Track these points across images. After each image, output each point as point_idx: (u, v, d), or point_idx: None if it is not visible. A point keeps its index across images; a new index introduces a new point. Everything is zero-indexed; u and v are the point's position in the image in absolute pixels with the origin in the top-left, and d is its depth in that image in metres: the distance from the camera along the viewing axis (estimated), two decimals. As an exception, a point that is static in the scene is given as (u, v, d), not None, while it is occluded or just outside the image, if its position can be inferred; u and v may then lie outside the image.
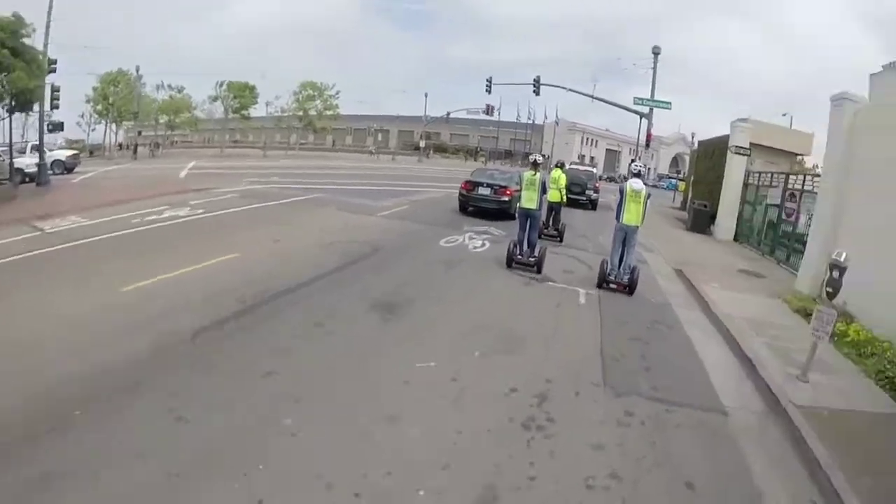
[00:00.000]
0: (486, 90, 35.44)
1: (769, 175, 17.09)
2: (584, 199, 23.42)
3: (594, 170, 26.86)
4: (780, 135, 23.33)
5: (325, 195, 18.87)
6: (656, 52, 26.67)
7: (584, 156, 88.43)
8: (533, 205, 10.76)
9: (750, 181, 18.43)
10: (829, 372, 6.75)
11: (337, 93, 56.93)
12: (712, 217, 19.55)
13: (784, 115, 37.93)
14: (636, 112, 27.01)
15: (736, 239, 18.54)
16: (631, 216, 9.72)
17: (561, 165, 16.46)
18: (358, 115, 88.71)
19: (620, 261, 9.88)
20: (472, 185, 16.65)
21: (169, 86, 57.92)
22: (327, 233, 12.02)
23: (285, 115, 58.85)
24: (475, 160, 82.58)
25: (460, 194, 16.86)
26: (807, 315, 8.44)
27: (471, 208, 16.61)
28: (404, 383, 5.24)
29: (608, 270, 9.87)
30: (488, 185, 16.35)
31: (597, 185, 24.56)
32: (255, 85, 57.09)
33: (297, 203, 16.67)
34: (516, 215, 11.78)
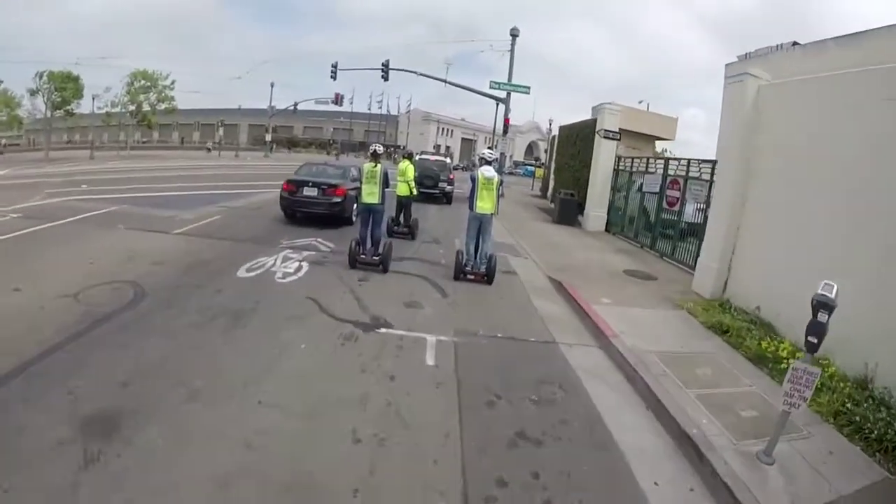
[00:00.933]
0: (332, 76, 31.73)
1: (644, 160, 15.48)
2: (438, 192, 20.94)
3: (447, 160, 24.22)
4: (646, 119, 22.38)
5: (128, 206, 14.47)
6: (514, 34, 24.70)
7: (439, 146, 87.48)
8: (374, 199, 9.97)
9: (621, 167, 16.83)
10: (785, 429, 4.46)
11: (172, 83, 49.50)
12: (580, 206, 17.80)
13: (640, 101, 38.08)
14: (492, 97, 24.98)
15: (608, 230, 16.94)
16: (485, 204, 9.44)
17: (409, 156, 14.06)
18: (205, 110, 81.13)
19: (476, 250, 9.61)
20: (295, 184, 13.27)
21: None
22: (96, 268, 8.13)
23: (115, 109, 50.14)
24: (328, 153, 78.47)
25: (281, 197, 13.42)
26: (723, 332, 7.39)
27: (298, 214, 13.33)
28: None
29: (464, 261, 9.56)
30: (315, 185, 13.13)
31: (451, 176, 22.11)
32: (79, 76, 48.24)
33: (86, 221, 12.09)
34: (355, 215, 11.11)
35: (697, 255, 10.60)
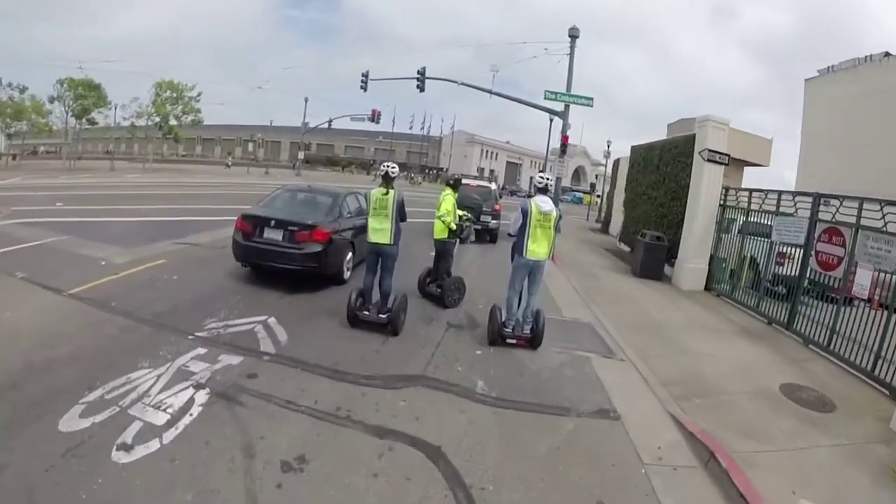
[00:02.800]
0: (362, 86, 27.84)
1: (763, 195, 10.73)
2: (480, 226, 16.35)
3: (492, 185, 19.55)
4: (738, 139, 17.40)
5: (69, 238, 11.08)
6: (574, 34, 20.15)
7: (483, 169, 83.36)
8: (383, 238, 7.11)
9: (729, 201, 12.12)
10: None
11: (198, 95, 46.92)
12: (669, 253, 13.08)
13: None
14: (547, 110, 20.59)
15: (708, 286, 12.19)
16: (539, 247, 6.82)
17: (452, 184, 9.32)
18: (246, 126, 79.66)
19: (520, 303, 7.08)
20: (251, 223, 8.72)
21: (9, 84, 45.68)
22: None
23: (140, 119, 47.66)
24: (367, 173, 75.35)
25: (233, 241, 8.97)
26: None
27: (265, 265, 8.85)
28: None
29: (503, 320, 7.02)
30: (280, 224, 8.51)
31: (497, 207, 17.44)
32: (100, 84, 46.25)
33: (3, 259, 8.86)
34: (348, 269, 9.02)
35: (879, 353, 6.57)
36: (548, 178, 7.10)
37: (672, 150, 14.14)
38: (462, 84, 23.41)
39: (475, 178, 20.96)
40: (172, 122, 45.26)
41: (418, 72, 24.35)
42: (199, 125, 48.63)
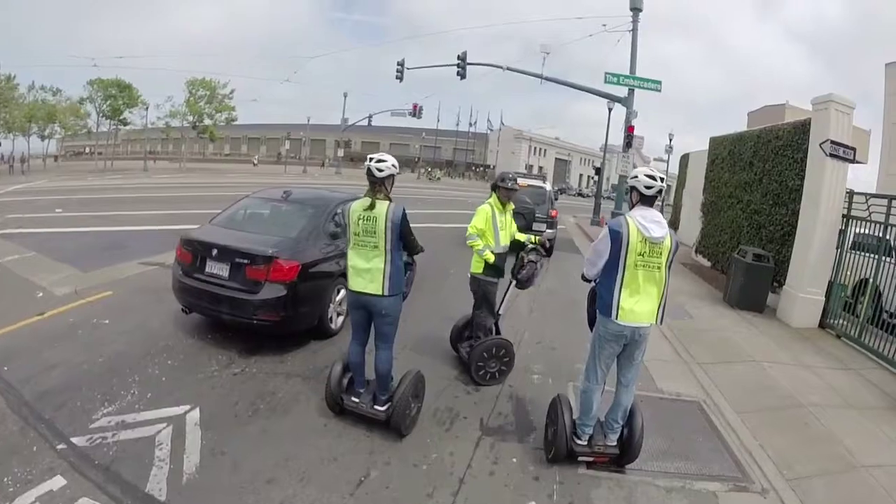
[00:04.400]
0: (397, 76, 25.47)
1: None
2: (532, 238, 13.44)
3: (546, 186, 15.66)
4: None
5: (32, 256, 9.79)
6: (636, 6, 17.16)
7: (531, 166, 79.91)
8: (372, 285, 4.34)
9: (855, 209, 9.08)
10: None
11: (231, 92, 45.75)
12: (775, 276, 10.04)
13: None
14: (607, 96, 17.72)
15: (823, 323, 9.15)
16: (639, 303, 3.84)
17: (499, 187, 5.80)
18: (290, 125, 78.75)
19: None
20: (191, 251, 6.10)
21: (42, 87, 46.09)
22: None
23: (174, 118, 46.95)
24: (412, 171, 73.25)
25: (173, 277, 6.37)
26: None
27: (208, 314, 6.28)
28: None
29: (576, 419, 4.26)
30: (224, 254, 5.83)
31: (553, 213, 14.37)
32: (130, 84, 45.90)
33: None
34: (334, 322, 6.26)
35: None
36: (659, 179, 3.85)
37: (773, 142, 11.02)
38: (508, 69, 20.77)
39: (524, 175, 17.79)
40: (207, 121, 44.13)
41: (459, 57, 21.87)
42: (233, 122, 47.35)
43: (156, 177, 33.17)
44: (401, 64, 25.03)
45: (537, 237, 6.07)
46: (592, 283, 4.11)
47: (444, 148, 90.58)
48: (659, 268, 3.81)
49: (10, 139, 45.36)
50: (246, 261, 5.67)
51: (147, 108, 47.21)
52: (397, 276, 4.33)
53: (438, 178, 60.55)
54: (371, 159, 4.33)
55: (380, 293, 4.28)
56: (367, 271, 4.29)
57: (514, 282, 5.61)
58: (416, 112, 42.51)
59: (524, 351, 6.66)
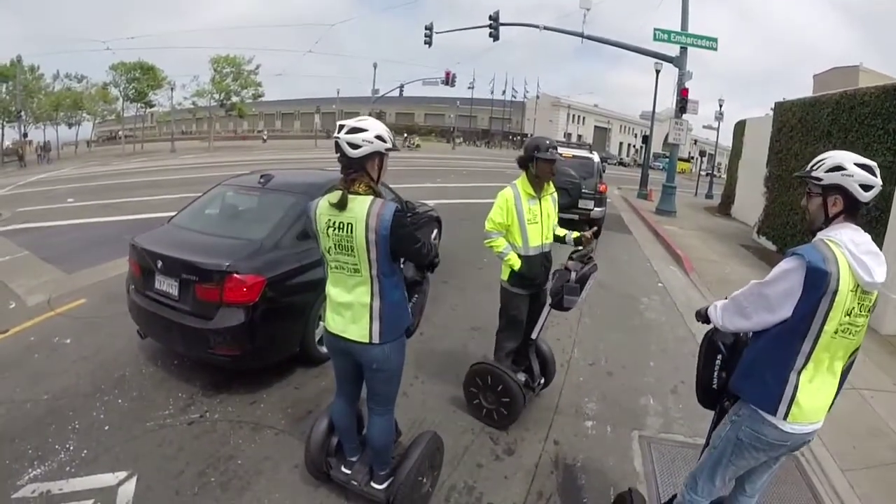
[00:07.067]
0: (426, 41, 23.92)
1: None
2: (578, 216, 11.67)
3: (594, 156, 13.39)
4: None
5: (25, 255, 9.14)
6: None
7: (570, 135, 77.05)
8: (355, 328, 2.86)
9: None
10: None
11: (257, 67, 44.88)
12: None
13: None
14: (656, 55, 15.90)
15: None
16: (824, 393, 2.26)
17: (528, 160, 4.10)
18: (321, 98, 77.65)
19: None
20: (139, 263, 4.78)
21: (66, 75, 46.56)
22: None
23: (202, 97, 46.44)
24: (447, 141, 71.50)
25: (127, 292, 5.10)
26: None
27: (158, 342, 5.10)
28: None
29: None
30: (171, 266, 4.46)
31: (602, 187, 12.44)
32: (153, 65, 45.58)
33: None
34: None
35: None
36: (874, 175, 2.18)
37: (858, 109, 9.27)
38: (545, 28, 18.94)
39: (566, 144, 15.91)
40: (234, 98, 43.47)
41: (491, 17, 20.14)
42: (260, 97, 46.59)
43: (182, 158, 32.79)
44: (429, 28, 23.47)
45: (580, 232, 4.43)
46: (719, 330, 2.55)
47: (480, 117, 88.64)
48: (860, 331, 2.26)
49: (39, 128, 46.12)
50: (194, 277, 4.34)
51: (173, 89, 47.09)
52: (394, 313, 2.87)
53: (418, 146, 57.07)
54: (341, 128, 2.70)
55: (366, 340, 2.84)
56: (346, 307, 2.87)
57: (553, 301, 4.14)
58: (448, 80, 40.60)
59: (574, 378, 5.29)
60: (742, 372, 2.40)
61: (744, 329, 2.42)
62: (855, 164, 2.18)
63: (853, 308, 2.16)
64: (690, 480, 2.70)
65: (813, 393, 2.25)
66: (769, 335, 2.29)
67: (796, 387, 2.22)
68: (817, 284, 2.10)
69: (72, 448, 3.77)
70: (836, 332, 2.17)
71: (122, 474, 3.51)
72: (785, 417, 2.25)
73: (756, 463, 2.48)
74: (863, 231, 2.22)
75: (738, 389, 2.42)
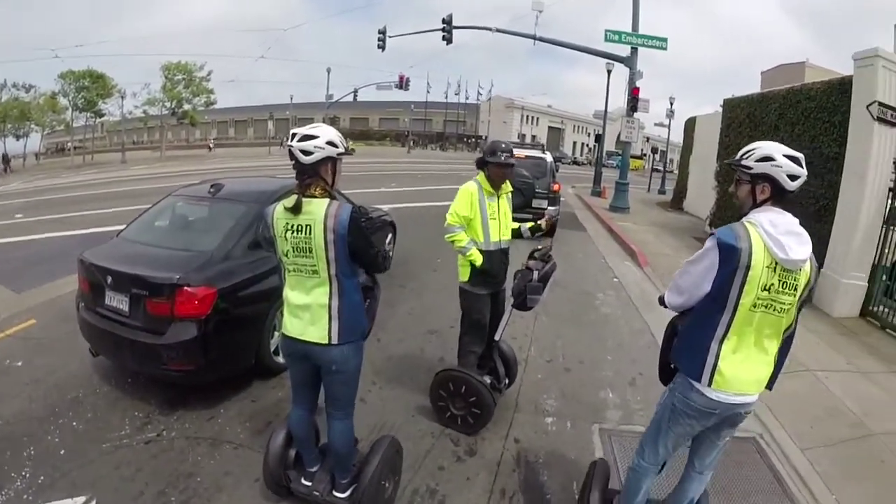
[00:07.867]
0: (379, 45, 23.84)
1: None
2: (531, 216, 12.02)
3: (547, 156, 13.65)
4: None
5: None
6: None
7: (524, 135, 77.88)
8: (313, 329, 2.91)
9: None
10: None
11: (208, 74, 43.94)
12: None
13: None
14: (607, 56, 16.29)
15: (865, 312, 7.98)
16: (748, 367, 2.53)
17: (485, 161, 4.27)
18: (273, 105, 76.71)
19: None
20: (88, 277, 4.68)
21: (14, 85, 44.63)
22: None
23: (153, 106, 45.22)
24: (402, 145, 71.48)
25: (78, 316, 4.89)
26: None
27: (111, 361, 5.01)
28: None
29: None
30: (121, 282, 4.39)
31: (556, 187, 12.84)
32: (103, 74, 44.16)
33: None
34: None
35: None
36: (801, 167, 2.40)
37: (804, 104, 9.72)
38: (498, 31, 19.15)
39: (520, 144, 16.20)
40: (186, 106, 42.46)
41: (444, 20, 20.21)
42: (212, 105, 45.69)
43: (133, 168, 31.95)
44: (382, 32, 23.43)
45: (533, 223, 4.57)
46: (681, 325, 2.71)
47: (435, 120, 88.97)
48: (788, 310, 2.44)
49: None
50: (144, 291, 4.28)
51: (123, 98, 45.71)
52: (352, 313, 2.93)
53: (352, 150, 57.40)
54: (294, 136, 2.80)
55: (325, 341, 2.89)
56: (304, 309, 2.91)
57: (511, 300, 4.21)
58: (402, 84, 40.63)
59: (532, 376, 5.40)
60: (677, 344, 2.65)
61: (682, 305, 2.64)
62: (784, 155, 2.37)
63: (772, 284, 2.34)
64: (639, 447, 2.93)
65: (737, 364, 2.45)
66: (696, 309, 2.53)
67: (717, 355, 2.44)
68: (729, 259, 2.33)
69: (28, 475, 3.63)
70: (754, 306, 2.37)
71: (80, 499, 3.41)
72: (709, 384, 2.46)
73: (692, 431, 2.68)
74: (788, 214, 2.40)
75: (675, 360, 2.67)
